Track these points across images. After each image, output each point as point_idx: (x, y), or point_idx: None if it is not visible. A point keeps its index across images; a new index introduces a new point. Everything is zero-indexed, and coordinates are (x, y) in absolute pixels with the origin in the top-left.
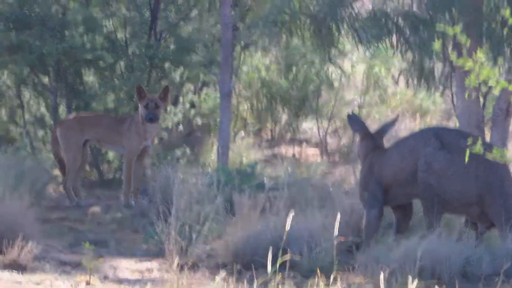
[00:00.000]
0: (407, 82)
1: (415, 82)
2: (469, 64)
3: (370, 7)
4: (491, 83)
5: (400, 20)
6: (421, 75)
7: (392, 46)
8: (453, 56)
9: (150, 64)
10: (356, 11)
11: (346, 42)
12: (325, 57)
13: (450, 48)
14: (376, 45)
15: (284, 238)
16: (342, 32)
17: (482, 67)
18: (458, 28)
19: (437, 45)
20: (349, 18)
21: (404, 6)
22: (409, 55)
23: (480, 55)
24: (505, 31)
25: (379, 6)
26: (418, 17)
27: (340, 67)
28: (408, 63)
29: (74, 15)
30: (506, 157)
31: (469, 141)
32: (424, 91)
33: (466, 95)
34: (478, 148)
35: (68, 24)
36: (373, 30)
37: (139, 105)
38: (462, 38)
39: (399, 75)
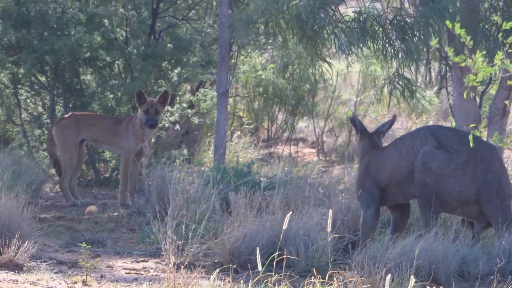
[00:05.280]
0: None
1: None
2: (467, 61)
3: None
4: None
5: (387, 24)
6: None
7: (376, 51)
8: (450, 52)
9: (147, 63)
10: (339, 14)
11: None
12: (314, 56)
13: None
14: (354, 50)
15: (281, 237)
16: (325, 35)
17: (480, 67)
18: (463, 30)
19: (434, 42)
20: (330, 21)
21: (391, 10)
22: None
23: (478, 54)
24: (500, 35)
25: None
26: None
27: (329, 64)
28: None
29: (75, 13)
30: (507, 143)
31: (470, 137)
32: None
33: (465, 95)
34: (479, 131)
35: (69, 22)
36: (354, 34)
37: (139, 109)
38: (465, 38)
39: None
